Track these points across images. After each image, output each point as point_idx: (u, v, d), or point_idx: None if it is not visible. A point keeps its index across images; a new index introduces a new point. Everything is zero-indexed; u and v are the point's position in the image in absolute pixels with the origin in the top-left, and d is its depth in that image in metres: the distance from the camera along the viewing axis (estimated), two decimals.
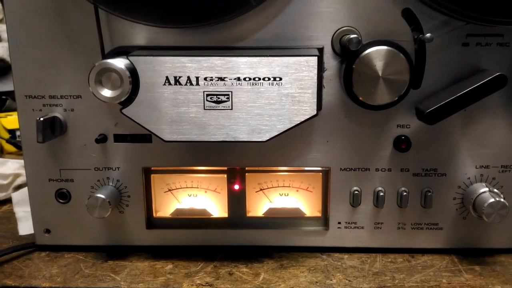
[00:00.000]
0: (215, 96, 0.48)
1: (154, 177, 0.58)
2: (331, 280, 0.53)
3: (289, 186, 0.58)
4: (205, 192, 0.59)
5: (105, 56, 0.51)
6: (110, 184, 0.57)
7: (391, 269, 0.55)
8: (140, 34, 0.52)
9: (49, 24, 0.53)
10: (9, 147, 1.00)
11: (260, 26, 0.52)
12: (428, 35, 0.48)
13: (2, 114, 1.03)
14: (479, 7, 0.48)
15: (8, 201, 0.75)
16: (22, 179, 0.77)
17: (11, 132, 1.02)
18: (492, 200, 0.51)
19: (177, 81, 0.48)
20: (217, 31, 0.52)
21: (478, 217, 0.53)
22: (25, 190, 0.72)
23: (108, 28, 0.52)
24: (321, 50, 0.52)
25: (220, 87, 0.48)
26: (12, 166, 0.78)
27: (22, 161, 0.79)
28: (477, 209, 0.53)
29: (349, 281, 0.52)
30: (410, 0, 0.50)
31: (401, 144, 0.54)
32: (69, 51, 0.53)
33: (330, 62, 0.52)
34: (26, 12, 0.52)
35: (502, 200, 0.51)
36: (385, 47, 0.49)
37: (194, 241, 0.59)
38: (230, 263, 0.56)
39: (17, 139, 1.02)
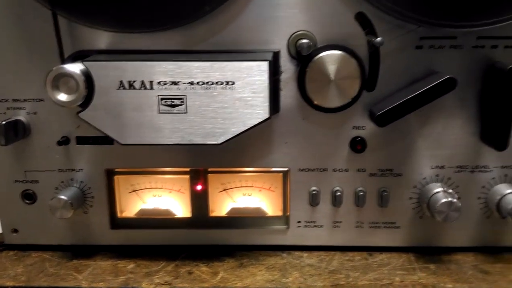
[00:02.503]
0: (170, 100, 0.49)
1: (118, 178, 0.59)
2: (287, 278, 0.54)
3: (251, 186, 0.59)
4: (169, 192, 0.60)
5: (64, 60, 0.52)
6: (74, 185, 0.58)
7: (348, 267, 0.56)
8: (100, 38, 0.53)
9: (10, 29, 0.53)
10: None
11: (217, 30, 0.52)
12: (378, 39, 0.49)
13: None
14: (430, 11, 0.49)
15: None
16: None
17: None
18: (444, 200, 0.52)
19: (131, 85, 0.49)
20: (175, 34, 0.52)
21: (432, 216, 0.54)
22: None
23: (68, 32, 0.53)
24: (277, 53, 0.52)
25: (174, 91, 0.49)
26: None
27: None
28: (430, 209, 0.54)
29: (305, 279, 0.54)
30: (364, 4, 0.51)
31: (357, 145, 0.55)
32: (31, 56, 0.54)
33: (287, 65, 0.53)
34: None
35: (454, 200, 0.52)
36: (336, 52, 0.49)
37: (158, 241, 0.60)
38: (191, 262, 0.57)
39: None
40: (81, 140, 0.57)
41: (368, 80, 0.52)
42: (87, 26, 0.52)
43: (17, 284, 0.54)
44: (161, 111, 0.49)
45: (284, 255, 0.59)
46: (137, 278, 0.54)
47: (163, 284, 0.53)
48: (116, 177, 0.59)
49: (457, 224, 0.57)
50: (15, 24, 0.53)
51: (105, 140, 0.56)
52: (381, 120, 0.50)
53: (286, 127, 0.55)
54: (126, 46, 0.53)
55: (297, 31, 0.52)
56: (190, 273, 0.55)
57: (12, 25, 0.53)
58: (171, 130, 0.50)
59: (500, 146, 0.51)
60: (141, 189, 0.60)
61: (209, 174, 0.59)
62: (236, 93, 0.49)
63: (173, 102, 0.49)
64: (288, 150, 0.56)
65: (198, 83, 0.48)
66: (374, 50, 0.51)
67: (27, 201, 0.59)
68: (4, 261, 0.58)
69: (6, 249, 0.61)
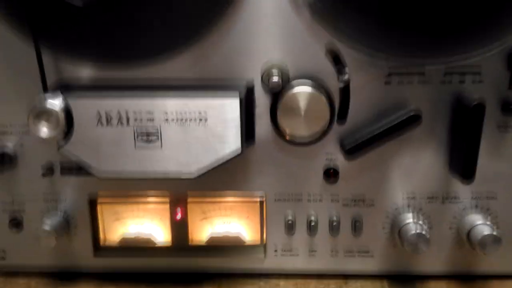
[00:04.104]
0: (146, 136, 0.51)
1: (101, 207, 0.61)
2: None
3: (230, 216, 0.61)
4: (151, 220, 0.62)
5: (46, 92, 0.54)
6: (59, 214, 0.60)
7: None
8: (82, 68, 0.55)
9: None
10: None
11: (192, 63, 0.54)
12: (345, 77, 0.51)
13: None
14: (398, 48, 0.51)
15: None
16: None
17: None
18: (413, 232, 0.54)
19: (108, 121, 0.51)
20: (154, 70, 0.54)
21: (402, 246, 0.55)
22: None
23: (52, 62, 0.54)
24: (251, 87, 0.54)
25: (149, 127, 0.51)
26: None
27: None
28: (401, 239, 0.55)
29: None
30: (334, 41, 0.52)
31: (330, 175, 0.56)
32: (15, 86, 0.56)
33: (261, 98, 0.55)
34: None
35: (423, 232, 0.53)
36: (306, 89, 0.51)
37: (139, 269, 0.62)
38: None
39: None
40: (65, 171, 0.59)
41: (339, 113, 0.54)
42: (67, 58, 0.54)
43: None
44: (137, 147, 0.51)
45: (262, 283, 0.60)
46: None
47: None
48: (99, 206, 0.60)
49: (430, 252, 0.57)
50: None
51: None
52: (350, 153, 0.52)
53: (261, 157, 0.57)
54: (108, 75, 0.55)
55: (271, 63, 0.53)
56: None
57: None
58: (147, 164, 0.52)
59: (466, 178, 0.52)
60: (124, 218, 0.61)
61: (188, 204, 0.60)
62: (209, 129, 0.51)
63: (149, 137, 0.51)
64: (264, 180, 0.58)
65: (172, 119, 0.50)
66: (344, 85, 0.53)
67: (14, 229, 0.61)
68: None
69: None
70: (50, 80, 0.54)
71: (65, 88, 0.54)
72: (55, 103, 0.51)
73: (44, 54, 0.53)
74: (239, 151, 0.51)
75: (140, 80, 0.54)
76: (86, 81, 0.55)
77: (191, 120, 0.50)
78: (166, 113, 0.50)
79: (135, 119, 0.51)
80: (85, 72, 0.55)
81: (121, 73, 0.54)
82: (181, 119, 0.50)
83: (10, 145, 0.58)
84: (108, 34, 0.51)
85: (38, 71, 0.53)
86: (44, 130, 0.51)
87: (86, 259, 0.61)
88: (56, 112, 0.50)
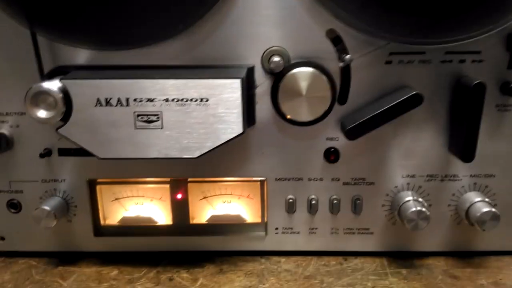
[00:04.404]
0: (146, 116, 0.51)
1: (100, 188, 0.60)
2: (264, 284, 0.56)
3: (231, 194, 0.61)
4: (151, 200, 0.62)
5: (43, 76, 0.53)
6: (58, 195, 0.60)
7: (323, 272, 0.58)
8: (80, 54, 0.54)
9: None
10: None
11: (192, 47, 0.54)
12: (348, 56, 0.51)
13: None
14: (399, 29, 0.50)
15: None
16: None
17: None
18: (413, 209, 0.54)
19: (108, 102, 0.50)
20: (151, 51, 0.54)
21: (402, 224, 0.56)
22: None
23: (48, 48, 0.54)
24: (251, 69, 0.54)
25: (149, 107, 0.50)
26: None
27: None
28: (401, 216, 0.56)
29: (281, 285, 0.56)
30: (334, 22, 0.52)
31: (331, 155, 0.57)
32: (12, 71, 0.55)
33: (262, 79, 0.54)
34: None
35: (423, 209, 0.54)
36: (308, 69, 0.51)
37: (140, 247, 0.62)
38: (172, 269, 0.59)
39: None
40: (63, 152, 0.58)
41: (340, 94, 0.54)
42: (65, 44, 0.53)
43: None
44: (137, 127, 0.51)
45: (263, 260, 0.61)
46: (120, 285, 0.56)
47: None
48: (98, 186, 0.60)
49: (428, 230, 0.58)
50: None
51: (86, 151, 0.57)
52: (351, 134, 0.52)
53: (262, 138, 0.57)
54: (104, 61, 0.54)
55: (270, 47, 0.53)
56: (171, 279, 0.57)
57: None
58: (147, 145, 0.51)
59: (466, 158, 0.52)
60: (123, 197, 0.61)
61: (189, 183, 0.60)
62: (210, 109, 0.50)
63: (149, 118, 0.51)
64: (265, 160, 0.58)
65: (173, 100, 0.50)
66: (345, 65, 0.52)
67: (13, 210, 0.61)
68: None
69: None
70: (48, 66, 0.54)
71: (63, 71, 0.53)
72: (52, 84, 0.50)
73: (41, 41, 0.52)
74: (241, 131, 0.51)
75: (145, 60, 0.54)
76: (85, 62, 0.54)
77: (191, 100, 0.50)
78: (167, 93, 0.50)
79: (135, 100, 0.50)
80: (82, 56, 0.54)
81: (119, 56, 0.54)
82: (182, 100, 0.50)
83: (6, 126, 0.57)
84: (106, 17, 0.50)
85: (34, 55, 0.52)
86: (41, 112, 0.51)
87: (86, 239, 0.61)
88: (53, 92, 0.50)
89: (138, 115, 0.50)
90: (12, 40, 0.54)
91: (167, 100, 0.50)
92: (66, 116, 0.51)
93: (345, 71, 0.53)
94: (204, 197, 0.61)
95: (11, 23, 0.53)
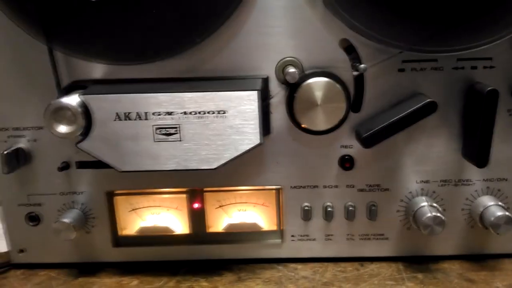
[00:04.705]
0: (164, 129, 0.51)
1: (117, 199, 0.61)
2: None
3: (246, 202, 0.62)
4: (167, 210, 0.62)
5: (61, 91, 0.54)
6: (76, 207, 0.61)
7: (340, 278, 0.59)
8: (96, 68, 0.55)
9: (8, 62, 0.55)
10: None
11: (208, 59, 0.54)
12: (362, 65, 0.51)
13: None
14: (411, 38, 0.51)
15: None
16: None
17: None
18: (429, 214, 0.55)
19: (127, 116, 0.51)
20: (167, 64, 0.54)
21: (418, 229, 0.56)
22: None
23: (65, 63, 0.55)
24: (266, 79, 0.55)
25: (168, 121, 0.51)
26: None
27: None
28: (417, 222, 0.56)
29: None
30: (348, 31, 0.53)
31: (345, 163, 0.57)
32: (30, 86, 0.56)
33: (277, 89, 0.55)
34: None
35: (438, 214, 0.55)
36: (322, 79, 0.52)
37: (158, 257, 0.63)
38: (191, 277, 0.60)
39: None
40: (81, 165, 0.59)
41: (354, 102, 0.55)
42: (82, 59, 0.54)
43: None
44: (156, 140, 0.52)
45: (280, 267, 0.61)
46: None
47: None
48: (116, 197, 0.61)
49: (443, 234, 0.58)
50: (13, 57, 0.55)
51: (104, 164, 0.58)
52: (367, 142, 0.53)
53: (277, 148, 0.58)
54: (120, 75, 0.55)
55: (284, 58, 0.54)
56: None
57: (10, 58, 0.55)
58: (167, 157, 0.52)
59: (481, 163, 0.53)
60: (140, 208, 0.62)
61: (205, 193, 0.61)
62: (228, 121, 0.51)
63: (168, 131, 0.51)
64: (280, 169, 0.59)
65: (191, 112, 0.51)
66: (358, 74, 0.53)
67: (32, 223, 0.62)
68: (12, 281, 0.61)
69: (13, 268, 0.64)
70: (63, 80, 0.55)
71: (80, 85, 0.54)
72: (72, 99, 0.51)
73: (58, 56, 0.53)
74: (258, 141, 0.52)
75: (161, 73, 0.55)
76: (101, 77, 0.55)
77: (209, 113, 0.51)
78: (185, 106, 0.51)
79: (154, 113, 0.51)
80: (98, 69, 0.55)
81: (134, 70, 0.55)
82: (200, 112, 0.51)
83: (24, 141, 0.58)
84: (122, 34, 0.51)
85: (52, 70, 0.53)
86: (62, 127, 0.52)
87: (105, 250, 0.62)
88: (73, 108, 0.51)
89: (157, 128, 0.51)
90: (28, 55, 0.55)
91: (185, 113, 0.51)
92: (86, 131, 0.52)
93: (359, 80, 0.54)
94: (220, 206, 0.62)
95: (26, 38, 0.53)
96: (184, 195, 0.61)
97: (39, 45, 0.53)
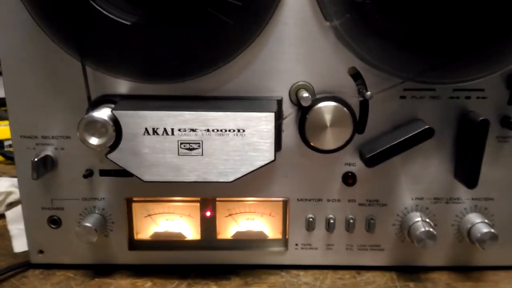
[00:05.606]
0: (188, 144, 0.56)
1: (135, 205, 0.66)
2: None
3: (254, 212, 0.67)
4: (180, 217, 0.67)
5: (91, 104, 0.59)
6: (96, 212, 0.65)
7: (339, 285, 0.64)
8: (123, 84, 0.60)
9: (40, 75, 0.59)
10: None
11: (228, 80, 0.59)
12: (368, 93, 0.57)
13: None
14: (413, 70, 0.57)
15: (1, 217, 0.82)
16: (13, 197, 0.84)
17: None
18: (422, 229, 0.61)
19: (155, 132, 0.56)
20: (191, 83, 0.59)
21: (411, 242, 0.62)
22: (18, 208, 0.79)
23: (93, 77, 0.59)
24: (280, 101, 0.60)
25: (192, 137, 0.56)
26: (4, 184, 0.85)
27: (12, 179, 0.87)
28: (411, 236, 0.62)
29: None
30: (356, 60, 0.58)
31: (348, 179, 0.63)
32: (59, 97, 0.60)
33: (289, 110, 0.61)
34: (19, 64, 0.59)
35: (430, 229, 0.60)
36: (332, 103, 0.57)
37: (171, 261, 0.67)
38: (201, 281, 0.65)
39: (5, 149, 1.08)
40: (104, 173, 0.63)
41: (358, 124, 0.60)
42: (111, 76, 0.59)
43: None
44: (180, 154, 0.56)
45: (283, 273, 0.67)
46: None
47: None
48: (135, 204, 0.66)
49: (434, 247, 0.65)
50: (46, 70, 0.59)
51: (125, 172, 0.62)
52: (370, 162, 0.58)
53: (286, 162, 0.63)
54: (146, 92, 0.60)
55: (297, 82, 0.59)
56: None
57: (43, 71, 0.59)
58: (188, 170, 0.57)
59: (471, 184, 0.59)
60: (155, 214, 0.67)
61: (217, 202, 0.66)
62: (246, 139, 0.56)
63: (191, 146, 0.56)
64: (288, 182, 0.64)
65: (213, 130, 0.56)
66: (364, 99, 0.59)
67: (53, 226, 0.66)
68: (33, 280, 0.65)
69: (32, 267, 0.67)
70: (93, 95, 0.59)
71: (108, 99, 0.59)
72: (103, 114, 0.56)
73: (88, 71, 0.57)
74: (272, 158, 0.57)
75: (185, 91, 0.60)
76: (128, 92, 0.60)
77: (230, 131, 0.56)
78: (208, 124, 0.55)
79: (179, 130, 0.56)
80: (126, 85, 0.59)
81: (159, 87, 0.59)
82: (221, 130, 0.56)
83: (51, 148, 0.62)
84: (152, 54, 0.56)
85: (84, 84, 0.57)
86: (93, 139, 0.56)
87: (121, 253, 0.66)
88: (105, 122, 0.55)
89: (181, 143, 0.56)
90: (59, 69, 0.59)
91: (208, 130, 0.56)
92: (115, 143, 0.56)
93: (364, 105, 0.60)
94: (230, 215, 0.67)
95: (59, 54, 0.58)
96: (197, 204, 0.66)
97: (71, 61, 0.58)
